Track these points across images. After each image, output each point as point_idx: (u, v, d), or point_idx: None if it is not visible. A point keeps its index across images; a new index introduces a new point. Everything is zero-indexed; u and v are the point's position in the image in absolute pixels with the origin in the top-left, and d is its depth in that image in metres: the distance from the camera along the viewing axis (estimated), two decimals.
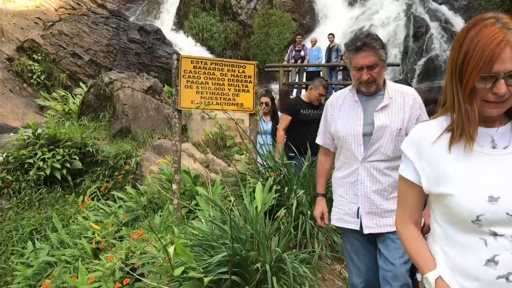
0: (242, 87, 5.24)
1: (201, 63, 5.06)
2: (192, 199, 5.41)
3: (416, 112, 2.47)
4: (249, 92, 5.28)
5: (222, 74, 5.13)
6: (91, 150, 7.79)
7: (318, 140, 2.80)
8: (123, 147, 7.85)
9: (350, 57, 2.44)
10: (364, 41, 2.37)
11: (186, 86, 4.98)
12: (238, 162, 8.03)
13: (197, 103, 5.00)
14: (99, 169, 7.64)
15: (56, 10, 17.07)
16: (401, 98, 2.48)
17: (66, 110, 9.84)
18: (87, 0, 18.29)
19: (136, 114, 8.52)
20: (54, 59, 16.05)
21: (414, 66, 17.94)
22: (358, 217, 2.51)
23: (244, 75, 5.25)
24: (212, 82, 5.09)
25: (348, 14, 20.82)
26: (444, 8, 19.88)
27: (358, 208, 2.50)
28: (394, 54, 18.30)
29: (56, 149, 7.57)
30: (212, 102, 5.02)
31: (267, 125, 6.58)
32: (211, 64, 5.09)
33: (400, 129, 2.42)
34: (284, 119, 5.65)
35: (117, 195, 6.37)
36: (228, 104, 5.18)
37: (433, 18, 19.13)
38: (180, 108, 4.97)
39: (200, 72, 5.03)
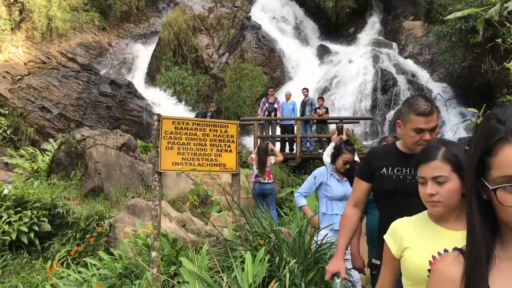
0: (225, 147, 5.10)
1: (183, 124, 4.91)
2: (171, 265, 5.11)
3: None
4: (231, 152, 5.13)
5: (204, 134, 4.98)
6: (61, 211, 7.38)
7: None
8: (95, 208, 7.47)
9: None
10: None
11: (167, 147, 4.80)
12: (216, 220, 7.77)
13: (178, 164, 4.81)
14: (69, 231, 7.21)
15: (25, 64, 16.82)
16: None
17: (35, 168, 9.41)
18: (57, 54, 18.14)
19: (109, 172, 8.21)
20: (21, 113, 15.63)
21: (383, 119, 18.33)
22: None
23: (227, 135, 5.11)
24: (194, 143, 4.93)
25: (317, 68, 21.33)
26: (410, 62, 20.66)
27: None
28: (363, 106, 18.71)
29: (24, 211, 7.14)
30: (194, 164, 4.84)
31: (342, 185, 4.93)
32: (192, 125, 4.95)
33: None
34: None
35: (89, 261, 5.97)
36: (211, 165, 5.00)
37: (399, 72, 19.79)
38: (161, 171, 4.75)
39: (181, 133, 4.87)
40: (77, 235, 7.20)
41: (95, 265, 5.87)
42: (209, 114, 15.39)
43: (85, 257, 6.68)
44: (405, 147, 2.61)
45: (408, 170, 2.54)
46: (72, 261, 6.75)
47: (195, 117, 15.31)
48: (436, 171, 1.80)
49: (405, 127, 2.52)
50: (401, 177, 2.56)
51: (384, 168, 2.62)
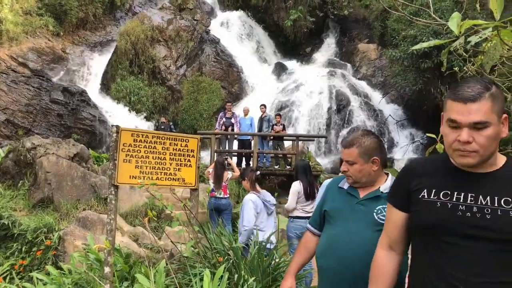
0: (185, 161, 5.04)
1: (142, 136, 4.82)
2: (123, 281, 4.97)
3: None
4: (191, 166, 5.08)
5: (163, 148, 4.91)
6: (6, 222, 7.02)
7: None
8: (44, 219, 7.16)
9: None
10: None
11: (125, 160, 4.69)
12: (170, 235, 7.64)
13: (135, 178, 4.71)
14: (14, 244, 6.87)
15: None
16: None
17: None
18: (7, 58, 17.42)
19: (60, 183, 7.92)
20: None
21: (337, 136, 18.75)
22: None
23: (187, 149, 5.06)
24: (153, 156, 4.84)
25: (274, 86, 21.61)
26: (363, 83, 21.31)
27: None
28: (318, 124, 19.08)
29: None
30: (152, 178, 4.75)
31: None
32: (152, 138, 4.87)
33: None
34: None
35: (36, 276, 5.70)
36: (169, 179, 4.93)
37: (353, 92, 20.37)
38: (117, 184, 4.64)
39: (140, 146, 4.78)
40: (23, 248, 6.87)
41: (41, 280, 5.61)
42: (172, 127, 15.34)
43: (30, 271, 6.38)
44: None
45: (462, 196, 1.66)
46: (16, 275, 6.42)
47: (157, 129, 15.14)
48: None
49: (442, 121, 1.73)
50: (449, 205, 1.67)
51: (425, 190, 1.75)
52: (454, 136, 1.61)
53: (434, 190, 1.72)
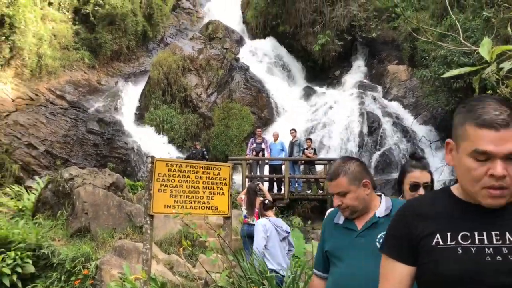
0: (217, 189, 5.11)
1: (176, 166, 4.93)
2: None
3: None
4: (224, 194, 5.14)
5: (197, 177, 5.00)
6: (46, 252, 7.21)
7: None
8: (81, 249, 7.32)
9: None
10: None
11: (160, 190, 4.80)
12: (204, 262, 7.67)
13: (170, 207, 4.80)
14: (54, 273, 7.03)
15: (13, 101, 16.76)
16: None
17: (20, 207, 9.24)
18: (46, 91, 18.15)
19: (97, 213, 8.11)
20: (7, 150, 15.46)
21: (369, 160, 18.50)
22: None
23: (219, 178, 5.14)
24: (186, 185, 4.94)
25: (304, 110, 21.65)
26: (394, 105, 21.08)
27: None
28: (350, 148, 18.91)
29: (7, 252, 6.95)
30: (186, 206, 4.83)
31: None
32: (186, 167, 4.97)
33: None
34: None
35: None
36: (203, 207, 5.00)
37: (384, 114, 20.16)
38: (153, 214, 4.73)
39: (174, 175, 4.88)
40: (62, 277, 7.02)
41: None
42: (205, 153, 15.47)
43: None
44: (466, 192, 1.42)
45: (485, 236, 1.35)
46: None
47: (190, 156, 15.32)
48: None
49: (458, 151, 1.39)
50: (473, 250, 1.34)
51: (438, 235, 1.39)
52: (483, 170, 1.29)
53: (449, 234, 1.37)
